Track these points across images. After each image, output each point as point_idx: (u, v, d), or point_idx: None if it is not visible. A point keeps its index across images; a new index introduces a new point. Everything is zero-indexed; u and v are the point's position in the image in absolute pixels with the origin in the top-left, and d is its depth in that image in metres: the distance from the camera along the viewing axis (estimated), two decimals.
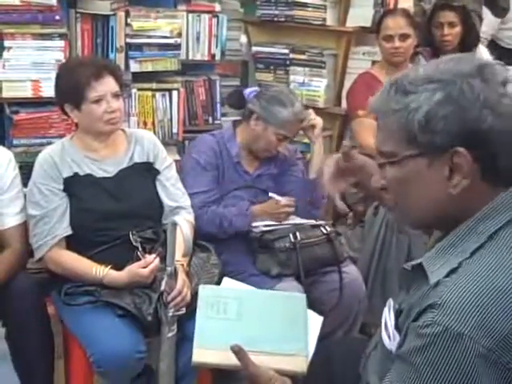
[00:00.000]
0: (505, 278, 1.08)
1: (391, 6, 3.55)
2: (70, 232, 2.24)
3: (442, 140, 1.12)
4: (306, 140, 2.83)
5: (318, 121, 2.68)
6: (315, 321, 1.62)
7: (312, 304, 2.37)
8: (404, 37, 3.13)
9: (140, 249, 2.23)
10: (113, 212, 2.25)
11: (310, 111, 2.69)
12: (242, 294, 1.66)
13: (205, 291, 1.63)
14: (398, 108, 1.15)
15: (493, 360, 1.04)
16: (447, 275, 1.12)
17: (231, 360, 1.38)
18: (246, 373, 1.38)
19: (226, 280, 1.80)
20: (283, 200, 2.55)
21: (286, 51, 3.59)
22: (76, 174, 2.26)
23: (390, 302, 1.36)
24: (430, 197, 1.18)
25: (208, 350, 1.49)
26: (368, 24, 3.44)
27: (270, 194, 2.60)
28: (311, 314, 1.63)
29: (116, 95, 2.25)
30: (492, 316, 1.05)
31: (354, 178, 1.50)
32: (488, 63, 1.16)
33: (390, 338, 1.29)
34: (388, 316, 1.33)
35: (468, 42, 3.46)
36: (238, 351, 1.37)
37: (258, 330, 1.51)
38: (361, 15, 3.47)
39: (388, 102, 1.17)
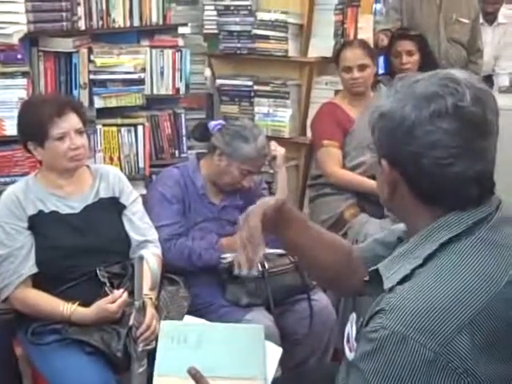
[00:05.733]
0: (450, 286, 1.10)
1: (351, 37, 3.63)
2: (35, 270, 2.21)
3: (378, 148, 1.22)
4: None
5: (280, 151, 2.71)
6: (273, 352, 1.64)
7: (283, 333, 2.40)
8: (362, 67, 3.19)
9: (108, 284, 2.22)
10: (79, 248, 2.24)
11: (272, 142, 2.72)
12: (202, 327, 1.69)
13: (166, 326, 1.66)
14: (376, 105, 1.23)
15: (442, 365, 1.05)
16: (400, 282, 1.15)
17: None
18: None
19: (187, 317, 1.84)
20: None
21: (250, 83, 3.62)
22: (41, 212, 2.25)
23: (353, 315, 1.39)
24: (380, 188, 1.27)
25: (168, 377, 1.50)
26: (329, 54, 3.49)
27: (240, 218, 2.61)
28: (270, 345, 1.65)
29: (79, 132, 2.26)
30: (437, 320, 1.07)
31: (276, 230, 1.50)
32: (452, 94, 1.14)
33: (351, 349, 1.31)
34: (350, 329, 1.36)
35: (426, 69, 3.54)
36: (194, 374, 1.38)
37: (216, 357, 1.53)
38: (322, 46, 3.52)
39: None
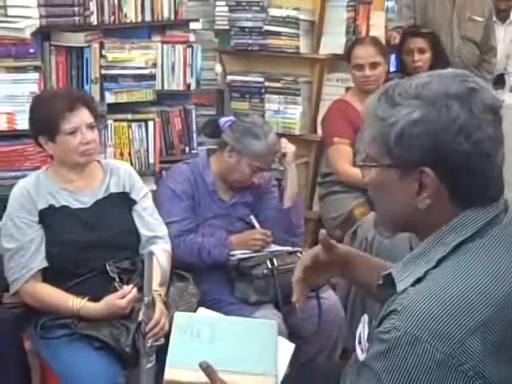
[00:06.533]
0: (464, 287, 1.10)
1: (363, 34, 3.61)
2: (45, 264, 2.22)
3: (413, 157, 1.15)
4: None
5: (290, 148, 2.70)
6: (286, 347, 1.64)
7: (291, 330, 2.39)
8: (374, 65, 3.18)
9: (117, 279, 2.22)
10: (89, 243, 2.24)
11: (282, 139, 2.71)
12: (216, 320, 1.69)
13: (179, 318, 1.66)
14: (383, 117, 1.18)
15: (453, 367, 1.05)
16: (413, 284, 1.14)
17: (203, 379, 1.40)
18: None
19: (200, 309, 1.82)
20: (259, 229, 2.57)
21: (261, 79, 3.61)
22: (51, 206, 2.25)
23: (365, 317, 1.39)
24: (400, 206, 1.21)
25: (180, 369, 1.51)
26: (340, 51, 3.48)
27: (250, 217, 2.61)
28: (282, 340, 1.66)
29: (91, 126, 2.26)
30: (450, 322, 1.06)
31: (334, 270, 1.51)
32: (479, 88, 1.15)
33: (362, 350, 1.31)
34: (362, 330, 1.36)
35: (438, 67, 3.53)
36: (205, 367, 1.38)
37: (229, 352, 1.53)
38: (333, 43, 3.51)
39: (376, 108, 1.20)
